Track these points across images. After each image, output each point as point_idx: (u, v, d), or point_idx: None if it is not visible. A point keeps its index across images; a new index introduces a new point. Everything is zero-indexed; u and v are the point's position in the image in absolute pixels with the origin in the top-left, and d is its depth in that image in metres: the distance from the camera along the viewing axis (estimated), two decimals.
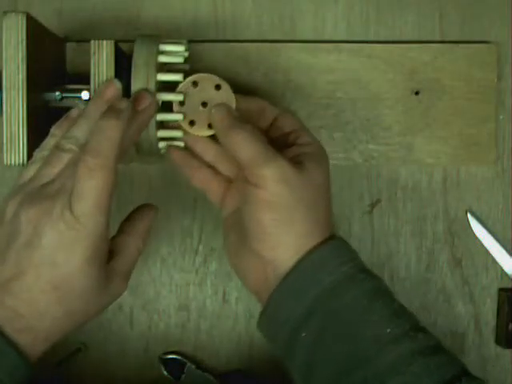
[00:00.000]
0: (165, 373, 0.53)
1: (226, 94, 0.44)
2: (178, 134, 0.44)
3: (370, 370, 0.37)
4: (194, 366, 0.53)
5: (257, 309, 0.54)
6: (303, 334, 0.39)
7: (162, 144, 0.44)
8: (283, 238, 0.40)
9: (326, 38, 0.54)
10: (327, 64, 0.53)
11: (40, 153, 0.42)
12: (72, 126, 0.41)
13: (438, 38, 0.54)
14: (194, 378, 0.53)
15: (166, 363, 0.53)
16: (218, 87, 0.44)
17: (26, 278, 0.37)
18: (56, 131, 0.43)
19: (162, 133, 0.44)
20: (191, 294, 0.54)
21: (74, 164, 0.38)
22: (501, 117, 0.54)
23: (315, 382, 0.40)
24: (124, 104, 0.40)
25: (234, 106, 0.43)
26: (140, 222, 0.43)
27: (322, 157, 0.43)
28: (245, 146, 0.40)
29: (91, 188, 0.36)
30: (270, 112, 0.45)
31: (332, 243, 0.41)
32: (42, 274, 0.37)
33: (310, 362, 0.39)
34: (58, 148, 0.40)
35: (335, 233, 0.42)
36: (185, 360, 0.53)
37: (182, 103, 0.44)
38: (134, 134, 0.41)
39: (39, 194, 0.38)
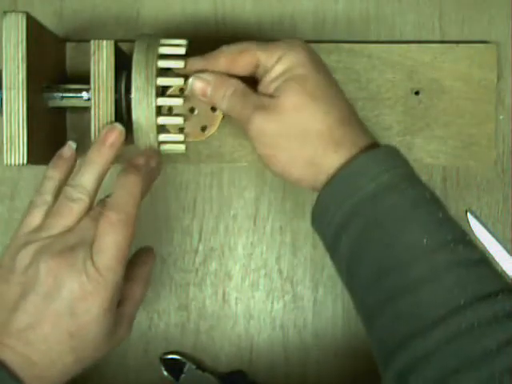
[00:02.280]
0: (165, 373, 0.53)
1: None
2: (179, 137, 0.45)
3: (400, 278, 0.37)
4: (193, 366, 0.53)
5: (256, 309, 0.54)
6: (343, 238, 0.39)
7: (162, 147, 0.45)
8: (302, 172, 0.41)
9: (326, 38, 0.54)
10: (327, 64, 0.52)
11: (41, 197, 0.42)
12: (76, 173, 0.41)
13: (438, 38, 0.54)
14: (194, 378, 0.53)
15: (166, 363, 0.53)
16: None
17: (43, 328, 0.37)
18: (53, 173, 0.43)
19: (163, 137, 0.44)
20: (191, 294, 0.54)
21: (91, 217, 0.40)
22: (501, 117, 0.54)
23: (354, 286, 0.40)
24: (142, 160, 0.41)
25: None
26: (143, 267, 0.44)
27: (294, 68, 0.41)
28: (230, 112, 0.43)
29: (113, 242, 0.38)
30: (222, 62, 0.44)
31: (370, 153, 0.40)
32: (59, 324, 0.37)
33: (349, 265, 0.40)
34: (66, 198, 0.40)
35: (376, 141, 0.42)
36: (185, 360, 0.53)
37: (170, 110, 0.45)
38: (146, 188, 0.42)
39: (57, 245, 0.39)
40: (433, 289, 0.36)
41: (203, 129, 0.45)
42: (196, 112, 0.45)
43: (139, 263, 0.44)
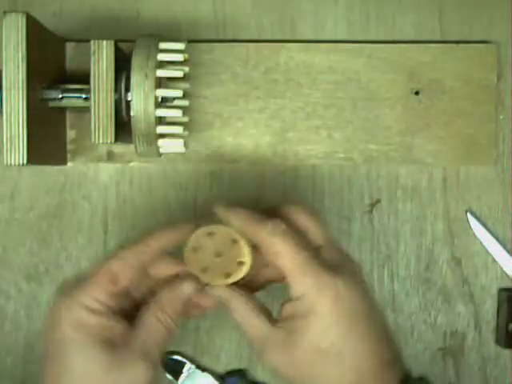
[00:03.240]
0: (165, 373, 0.53)
1: (242, 250, 0.42)
2: (177, 129, 0.45)
3: None
4: (194, 366, 0.53)
5: None
6: None
7: (160, 141, 0.45)
8: None
9: (326, 37, 0.54)
10: (327, 64, 0.53)
11: None
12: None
13: (438, 38, 0.54)
14: (194, 378, 0.53)
15: (166, 363, 0.53)
16: (234, 241, 0.42)
17: None
18: None
19: (161, 128, 0.44)
20: None
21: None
22: (501, 117, 0.54)
23: None
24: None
25: (248, 263, 0.42)
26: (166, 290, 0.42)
27: (338, 301, 0.38)
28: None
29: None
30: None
31: None
32: None
33: None
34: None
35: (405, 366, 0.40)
36: (185, 360, 0.53)
37: (195, 249, 0.42)
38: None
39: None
40: None
41: (227, 276, 0.42)
42: (222, 257, 0.42)
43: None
